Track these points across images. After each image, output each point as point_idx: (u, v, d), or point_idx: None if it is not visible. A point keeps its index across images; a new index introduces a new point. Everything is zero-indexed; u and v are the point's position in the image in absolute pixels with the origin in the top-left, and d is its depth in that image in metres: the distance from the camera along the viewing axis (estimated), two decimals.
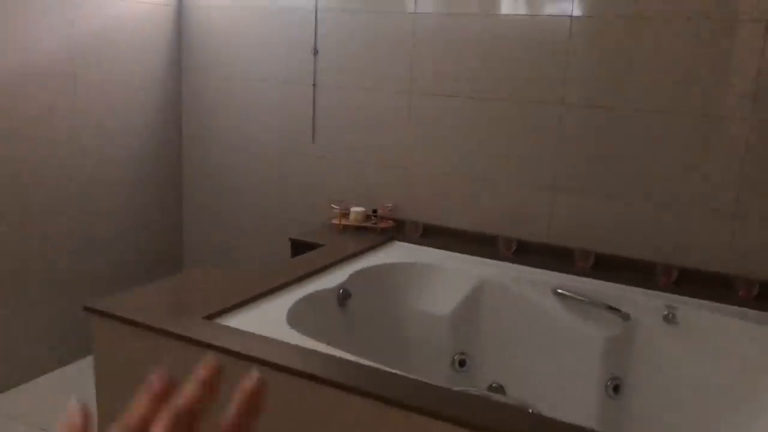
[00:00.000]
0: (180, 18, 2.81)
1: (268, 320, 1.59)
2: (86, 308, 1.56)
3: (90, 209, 2.60)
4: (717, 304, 1.89)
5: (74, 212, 2.54)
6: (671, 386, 1.86)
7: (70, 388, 2.41)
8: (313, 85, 2.57)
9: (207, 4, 2.75)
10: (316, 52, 2.55)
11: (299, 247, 2.24)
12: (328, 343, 1.48)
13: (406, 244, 2.31)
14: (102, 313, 1.55)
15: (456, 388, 1.31)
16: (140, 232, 2.83)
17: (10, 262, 2.34)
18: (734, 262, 1.98)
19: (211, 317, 1.56)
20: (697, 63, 1.96)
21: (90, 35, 2.49)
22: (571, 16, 2.11)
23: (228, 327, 1.52)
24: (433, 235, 2.38)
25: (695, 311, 1.87)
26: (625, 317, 1.91)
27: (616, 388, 1.92)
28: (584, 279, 2.06)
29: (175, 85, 2.85)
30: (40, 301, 2.47)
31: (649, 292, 1.98)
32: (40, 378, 2.48)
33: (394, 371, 1.36)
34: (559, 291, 1.99)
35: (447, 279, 2.10)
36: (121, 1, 2.57)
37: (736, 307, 1.87)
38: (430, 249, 2.27)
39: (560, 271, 2.11)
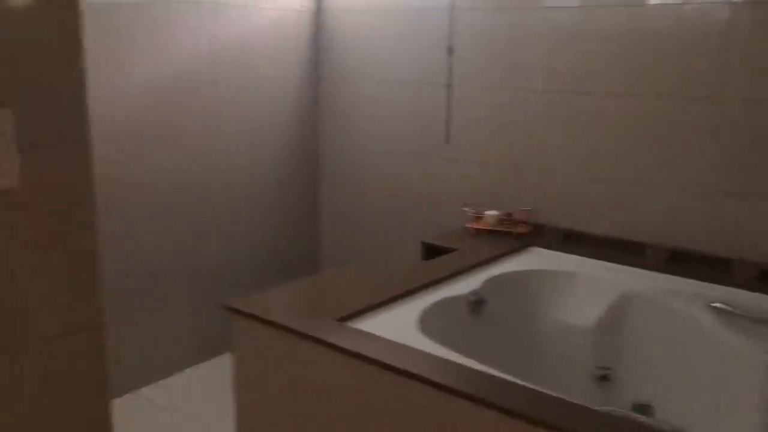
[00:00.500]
0: (316, 23, 2.87)
1: (399, 325, 1.56)
2: (225, 307, 1.61)
3: (232, 210, 2.72)
4: None
5: (217, 213, 2.67)
6: None
7: (215, 381, 2.53)
8: (448, 85, 2.53)
9: (342, 8, 2.79)
10: (450, 51, 2.50)
11: (431, 251, 2.20)
12: (460, 353, 1.42)
13: (544, 251, 2.21)
14: (239, 312, 1.59)
15: (600, 408, 1.21)
16: (279, 232, 2.92)
17: (157, 261, 2.49)
18: None
19: (343, 320, 1.56)
20: None
21: (230, 43, 2.60)
22: (731, 2, 1.91)
23: (359, 330, 1.50)
24: (574, 242, 2.25)
25: None
26: None
27: None
28: (746, 292, 1.85)
29: (311, 88, 2.92)
30: (186, 297, 2.61)
31: None
32: (187, 370, 2.62)
33: (532, 386, 1.27)
34: (717, 305, 1.80)
35: (589, 288, 1.97)
36: (260, 9, 2.67)
37: None
38: (571, 256, 2.15)
39: (718, 282, 1.92)
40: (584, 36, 2.19)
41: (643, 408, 1.87)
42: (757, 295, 1.84)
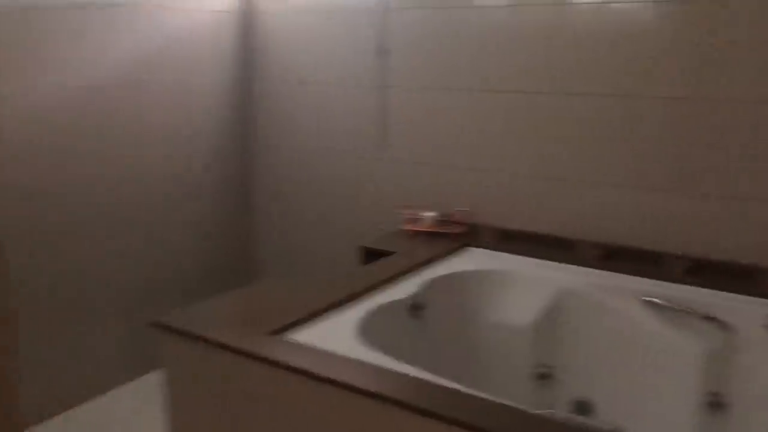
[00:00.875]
0: (245, 25, 2.79)
1: (337, 334, 1.51)
2: (152, 323, 1.53)
3: (161, 219, 2.61)
4: None
5: (144, 222, 2.55)
6: None
7: (143, 401, 2.41)
8: (382, 87, 2.49)
9: (271, 10, 2.72)
10: (383, 52, 2.47)
11: (370, 255, 2.16)
12: (400, 359, 1.39)
13: (481, 250, 2.20)
14: (167, 328, 1.51)
15: (542, 411, 1.19)
16: (211, 240, 2.82)
17: (78, 276, 2.36)
18: None
19: (278, 332, 1.50)
20: None
21: (154, 46, 2.49)
22: (654, 1, 1.95)
23: (294, 343, 1.45)
24: (510, 240, 2.25)
25: None
26: (724, 327, 1.74)
27: (716, 406, 1.75)
28: (677, 286, 1.89)
29: (242, 92, 2.84)
30: (111, 313, 2.48)
31: (751, 299, 1.79)
32: (113, 391, 2.50)
33: (474, 393, 1.25)
34: (649, 299, 1.83)
35: (526, 287, 1.97)
36: (185, 11, 2.57)
37: None
38: (507, 255, 2.15)
39: (650, 277, 1.95)
40: (514, 35, 2.20)
41: (584, 405, 1.88)
42: (688, 287, 1.87)
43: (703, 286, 1.87)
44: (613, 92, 2.05)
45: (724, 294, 1.82)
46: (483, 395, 1.24)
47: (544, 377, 1.92)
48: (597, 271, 2.00)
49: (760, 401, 1.70)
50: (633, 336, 1.84)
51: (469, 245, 2.23)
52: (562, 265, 2.06)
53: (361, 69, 2.53)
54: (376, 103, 2.52)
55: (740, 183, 1.90)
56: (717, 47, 1.88)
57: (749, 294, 1.81)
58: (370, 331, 1.57)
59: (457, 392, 1.26)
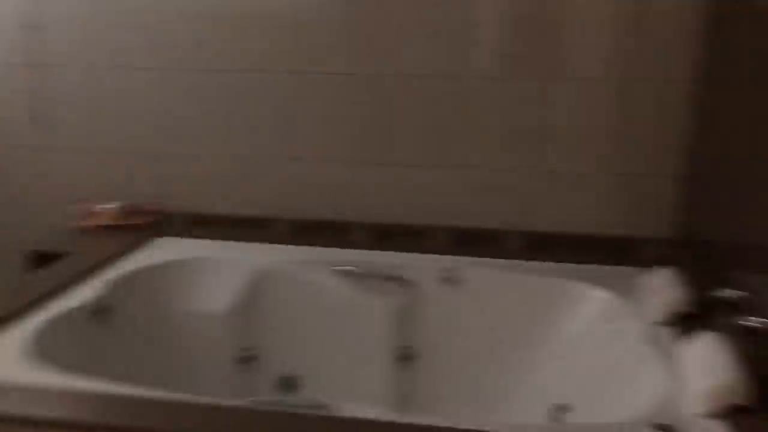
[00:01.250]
0: None
1: (2, 358, 1.29)
2: None
3: None
4: (493, 260, 1.94)
5: None
6: (459, 347, 1.89)
7: None
8: (35, 66, 2.18)
9: None
10: (37, 28, 2.16)
11: (40, 260, 1.90)
12: (88, 374, 1.24)
13: (173, 240, 2.08)
14: None
15: (242, 402, 1.16)
16: None
17: None
18: (503, 216, 2.06)
19: None
20: (446, 25, 1.98)
21: None
22: None
23: None
24: (205, 225, 2.17)
25: (473, 269, 1.90)
26: (407, 284, 1.90)
27: (406, 358, 1.91)
28: (363, 251, 2.00)
29: None
30: None
31: (428, 256, 1.98)
32: None
33: (171, 395, 1.16)
34: (339, 268, 1.91)
35: (222, 272, 1.92)
36: None
37: (511, 260, 1.94)
38: (202, 241, 2.07)
39: (339, 246, 2.03)
40: (195, 9, 2.08)
41: (290, 381, 1.91)
42: (373, 252, 2.00)
43: (387, 249, 2.01)
44: (294, 69, 2.07)
45: (404, 254, 1.98)
46: (176, 396, 1.17)
47: (248, 360, 1.90)
48: (291, 247, 2.03)
49: (440, 347, 1.90)
50: (328, 306, 1.91)
51: (160, 236, 2.10)
52: (258, 244, 2.05)
53: (9, 46, 2.19)
54: (34, 84, 2.20)
55: (412, 152, 2.08)
56: (397, 26, 2.01)
57: (424, 252, 2.00)
58: (46, 348, 1.38)
59: (148, 399, 1.16)
